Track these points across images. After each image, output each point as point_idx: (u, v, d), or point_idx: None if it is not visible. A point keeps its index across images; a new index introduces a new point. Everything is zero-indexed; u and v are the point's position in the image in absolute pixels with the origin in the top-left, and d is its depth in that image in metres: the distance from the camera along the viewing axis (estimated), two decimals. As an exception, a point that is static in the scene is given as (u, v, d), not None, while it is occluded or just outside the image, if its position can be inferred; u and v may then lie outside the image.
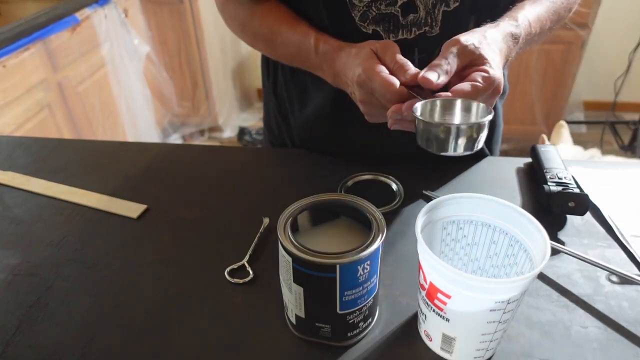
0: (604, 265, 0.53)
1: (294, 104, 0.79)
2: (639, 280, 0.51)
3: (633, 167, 0.74)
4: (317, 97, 0.74)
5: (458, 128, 0.46)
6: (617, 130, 2.67)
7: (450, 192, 0.67)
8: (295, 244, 0.42)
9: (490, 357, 0.45)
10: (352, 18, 0.63)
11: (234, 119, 2.85)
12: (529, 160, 0.72)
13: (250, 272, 0.55)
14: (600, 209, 0.63)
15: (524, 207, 0.62)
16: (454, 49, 0.51)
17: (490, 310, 0.39)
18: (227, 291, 0.53)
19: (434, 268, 0.40)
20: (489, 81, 0.50)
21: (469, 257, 0.49)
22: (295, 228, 0.45)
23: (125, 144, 0.88)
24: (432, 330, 0.45)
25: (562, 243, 0.58)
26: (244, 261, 0.56)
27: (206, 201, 0.67)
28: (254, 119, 2.94)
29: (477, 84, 0.49)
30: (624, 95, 2.70)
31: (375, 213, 0.45)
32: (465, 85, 0.50)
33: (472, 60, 0.51)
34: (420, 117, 0.47)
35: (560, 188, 0.60)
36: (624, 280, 0.53)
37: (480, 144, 0.47)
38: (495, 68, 0.51)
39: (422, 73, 0.50)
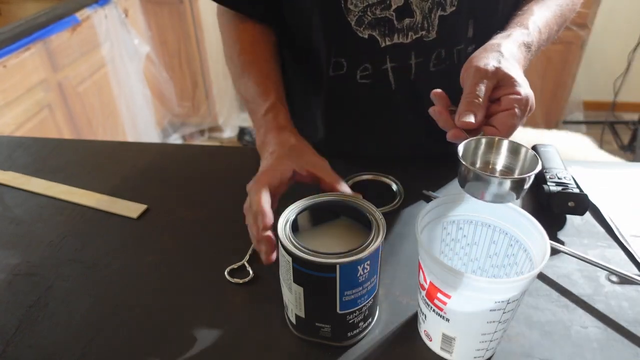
0: (604, 265, 0.53)
1: (294, 105, 0.79)
2: (639, 280, 0.51)
3: (633, 167, 0.74)
4: (315, 101, 0.74)
5: (501, 181, 0.42)
6: (616, 130, 2.68)
7: (450, 192, 0.67)
8: (295, 243, 0.41)
9: (490, 357, 0.45)
10: (348, 23, 0.63)
11: (234, 119, 2.85)
12: (529, 160, 0.72)
13: (250, 272, 0.55)
14: (600, 209, 0.63)
15: (524, 207, 0.62)
16: (478, 77, 0.49)
17: (490, 310, 0.39)
18: (227, 291, 0.53)
19: (434, 268, 0.40)
20: (524, 102, 0.48)
21: (469, 257, 0.49)
22: (295, 228, 0.45)
23: (125, 144, 0.88)
24: (432, 330, 0.45)
25: (562, 243, 0.58)
26: (244, 261, 0.56)
27: (206, 201, 0.67)
28: (254, 119, 2.93)
29: (515, 111, 0.48)
30: (624, 95, 2.70)
31: (375, 213, 0.45)
32: (506, 119, 0.48)
33: (498, 82, 0.50)
34: (463, 161, 0.43)
35: (560, 188, 0.60)
36: (624, 280, 0.53)
37: (523, 194, 0.44)
38: (523, 84, 0.49)
39: (460, 117, 0.48)
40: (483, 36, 0.60)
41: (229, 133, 2.78)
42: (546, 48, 0.65)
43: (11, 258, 0.58)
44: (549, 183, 0.61)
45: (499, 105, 0.49)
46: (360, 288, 0.43)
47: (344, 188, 0.51)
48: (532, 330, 0.48)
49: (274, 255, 0.47)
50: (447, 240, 0.48)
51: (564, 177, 0.62)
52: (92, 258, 0.58)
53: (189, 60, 2.49)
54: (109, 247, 0.60)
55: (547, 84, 2.42)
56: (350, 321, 0.45)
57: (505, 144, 0.46)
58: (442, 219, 0.47)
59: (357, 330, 0.46)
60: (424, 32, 0.63)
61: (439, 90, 0.53)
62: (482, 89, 0.49)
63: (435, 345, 0.45)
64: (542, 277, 0.54)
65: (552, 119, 2.50)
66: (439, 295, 0.41)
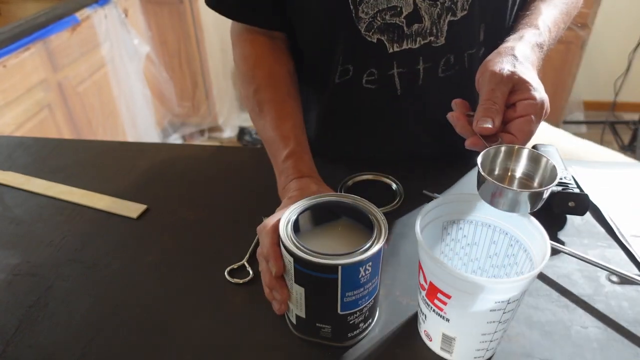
0: (604, 265, 0.53)
1: None
2: (639, 280, 0.51)
3: (633, 167, 0.74)
4: (315, 102, 0.74)
5: (519, 193, 0.42)
6: (617, 130, 2.68)
7: (450, 192, 0.67)
8: (297, 244, 0.41)
9: (490, 357, 0.45)
10: (358, 30, 0.62)
11: (234, 119, 2.84)
12: (529, 160, 0.72)
13: (250, 272, 0.55)
14: (600, 209, 0.63)
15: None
16: (494, 82, 0.49)
17: (490, 310, 0.39)
18: (227, 291, 0.53)
19: (434, 268, 0.40)
20: (539, 107, 0.48)
21: (469, 257, 0.49)
22: (296, 229, 0.45)
23: (125, 144, 0.88)
24: (432, 330, 0.45)
25: (562, 243, 0.58)
26: (244, 261, 0.56)
27: (206, 201, 0.67)
28: (254, 119, 2.93)
29: (532, 117, 0.48)
30: (624, 95, 2.70)
31: (377, 214, 0.45)
32: (523, 125, 0.48)
33: (514, 86, 0.49)
34: (483, 173, 0.43)
35: (560, 188, 0.60)
36: (624, 280, 0.53)
37: (541, 204, 0.43)
38: (538, 88, 0.49)
39: (478, 123, 0.48)
40: (493, 39, 0.60)
41: (229, 133, 2.78)
42: (547, 48, 0.65)
43: (11, 258, 0.58)
44: (549, 183, 0.61)
45: (515, 112, 0.49)
46: (362, 289, 0.43)
47: None
48: (532, 330, 0.48)
49: (286, 305, 0.47)
50: (447, 240, 0.48)
51: (565, 177, 0.62)
52: (92, 258, 0.58)
53: (189, 60, 2.49)
54: (109, 247, 0.60)
55: (547, 84, 2.38)
56: (350, 322, 0.45)
57: (525, 152, 0.46)
58: (442, 219, 0.47)
59: (358, 331, 0.46)
60: (432, 38, 0.63)
61: (459, 99, 0.52)
62: (498, 94, 0.48)
63: (435, 346, 0.45)
64: (542, 277, 0.54)
65: (552, 119, 2.49)
66: (439, 295, 0.41)
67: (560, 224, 0.62)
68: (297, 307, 0.45)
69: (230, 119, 2.80)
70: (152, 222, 0.64)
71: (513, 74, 0.49)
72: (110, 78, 2.06)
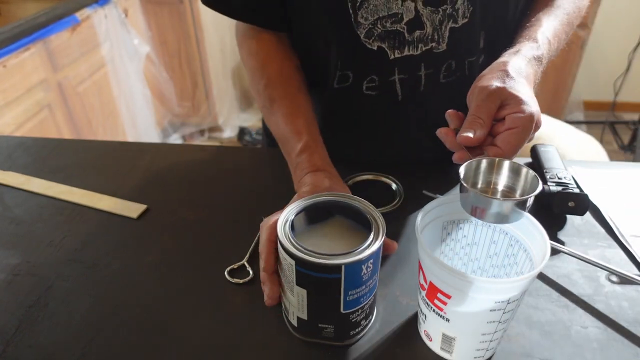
0: (604, 265, 0.53)
1: None
2: (639, 280, 0.51)
3: (633, 167, 0.74)
4: (315, 103, 0.74)
5: (501, 202, 0.42)
6: (616, 130, 2.68)
7: (450, 192, 0.67)
8: (298, 246, 0.41)
9: (490, 357, 0.45)
10: (357, 36, 0.62)
11: (234, 119, 2.85)
12: (529, 160, 0.72)
13: (250, 272, 0.55)
14: (600, 209, 0.63)
15: (524, 207, 0.62)
16: (481, 98, 0.49)
17: (490, 310, 0.39)
18: (227, 291, 0.53)
19: (434, 268, 0.40)
20: (528, 120, 0.48)
21: (469, 257, 0.49)
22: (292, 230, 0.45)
23: (125, 144, 0.88)
24: (432, 330, 0.45)
25: (562, 243, 0.58)
26: (244, 261, 0.56)
27: (206, 201, 0.67)
28: (254, 119, 2.93)
29: (519, 129, 0.48)
30: (624, 95, 2.70)
31: (373, 211, 0.45)
32: (510, 137, 0.48)
33: (502, 101, 0.49)
34: (463, 183, 0.43)
35: (560, 188, 0.60)
36: (624, 280, 0.53)
37: (525, 213, 0.43)
38: (529, 102, 0.49)
39: (460, 133, 0.48)
40: (493, 46, 0.60)
41: (229, 133, 2.78)
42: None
43: (11, 258, 0.58)
44: (549, 183, 0.61)
45: (503, 125, 0.49)
46: (364, 287, 0.43)
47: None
48: (532, 330, 0.48)
49: (276, 299, 0.48)
50: (447, 240, 0.48)
51: (564, 177, 0.62)
52: (92, 258, 0.58)
53: (189, 60, 2.49)
54: (109, 247, 0.60)
55: (547, 84, 2.42)
56: (353, 320, 0.45)
57: (506, 164, 0.45)
58: (442, 219, 0.47)
59: (359, 328, 0.46)
60: (434, 44, 0.63)
61: (453, 110, 0.52)
62: (484, 109, 0.48)
63: (435, 345, 0.45)
64: (542, 277, 0.54)
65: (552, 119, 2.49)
66: (439, 295, 0.41)
67: (560, 224, 0.62)
68: (298, 309, 0.45)
69: (230, 119, 2.81)
70: (152, 222, 0.64)
71: (502, 89, 0.49)
72: (110, 78, 2.06)
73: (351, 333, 0.46)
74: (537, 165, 0.68)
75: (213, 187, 0.70)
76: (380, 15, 0.60)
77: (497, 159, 0.46)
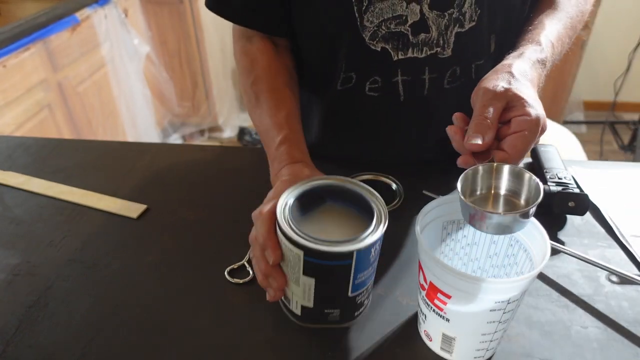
0: (604, 265, 0.53)
1: None
2: (639, 280, 0.51)
3: (633, 167, 0.74)
4: (317, 104, 0.74)
5: (501, 216, 0.42)
6: (616, 130, 2.67)
7: (450, 192, 0.67)
8: (305, 235, 0.40)
9: (490, 357, 0.45)
10: (362, 38, 0.62)
11: (234, 119, 2.84)
12: (529, 160, 0.72)
13: (250, 272, 0.55)
14: (600, 209, 0.63)
15: (524, 207, 0.62)
16: (487, 99, 0.48)
17: (490, 310, 0.39)
18: (227, 291, 0.53)
19: (434, 268, 0.40)
20: (534, 123, 0.47)
21: (469, 257, 0.49)
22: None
23: (125, 144, 0.88)
24: (432, 330, 0.45)
25: (562, 243, 0.58)
26: (244, 261, 0.56)
27: (206, 201, 0.67)
28: (254, 119, 2.93)
29: (525, 133, 0.47)
30: (624, 95, 2.69)
31: (373, 194, 0.44)
32: (516, 141, 0.46)
33: (508, 103, 0.48)
34: (462, 197, 0.42)
35: (560, 188, 0.60)
36: (624, 280, 0.53)
37: (528, 223, 0.42)
38: (534, 105, 0.48)
39: (467, 139, 0.47)
40: (504, 49, 0.59)
41: (229, 133, 2.78)
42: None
43: (11, 258, 0.58)
44: (549, 183, 0.61)
45: (509, 128, 0.48)
46: (370, 269, 0.43)
47: None
48: (532, 330, 0.48)
49: (282, 293, 0.46)
50: (447, 240, 0.48)
51: (564, 177, 0.62)
52: (92, 258, 0.58)
53: (189, 60, 2.49)
54: (109, 247, 0.60)
55: (547, 84, 2.38)
56: (358, 302, 0.45)
57: (507, 168, 0.45)
58: (442, 219, 0.47)
59: (363, 308, 0.47)
60: (438, 49, 0.62)
61: (460, 113, 0.51)
62: (490, 110, 0.47)
63: (435, 345, 0.45)
64: (542, 277, 0.54)
65: (552, 119, 2.49)
66: (439, 295, 0.41)
67: (560, 224, 0.62)
68: (303, 298, 0.44)
69: (230, 119, 2.80)
70: (152, 222, 0.64)
71: (507, 90, 0.48)
72: (110, 78, 2.06)
73: (355, 314, 0.46)
74: (537, 165, 0.68)
75: (213, 187, 0.70)
76: (385, 17, 0.60)
77: (494, 164, 0.45)
